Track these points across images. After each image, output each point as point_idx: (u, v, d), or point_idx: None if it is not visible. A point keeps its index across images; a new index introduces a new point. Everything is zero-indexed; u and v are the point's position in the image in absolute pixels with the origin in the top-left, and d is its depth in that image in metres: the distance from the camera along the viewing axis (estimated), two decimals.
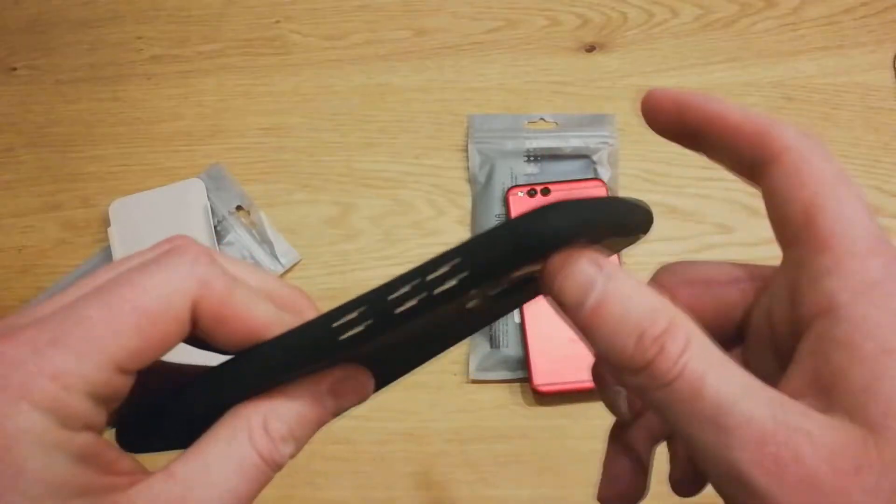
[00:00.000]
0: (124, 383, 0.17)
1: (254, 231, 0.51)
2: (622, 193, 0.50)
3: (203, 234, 0.49)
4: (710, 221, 0.49)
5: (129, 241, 0.49)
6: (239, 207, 0.52)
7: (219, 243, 0.50)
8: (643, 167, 0.51)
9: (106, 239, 0.50)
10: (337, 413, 0.18)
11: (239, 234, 0.51)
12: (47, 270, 0.51)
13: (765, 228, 0.56)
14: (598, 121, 0.51)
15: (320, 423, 0.18)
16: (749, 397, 0.14)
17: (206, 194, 0.50)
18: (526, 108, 0.53)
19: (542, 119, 0.52)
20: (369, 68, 0.55)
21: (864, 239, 0.16)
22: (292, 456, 0.18)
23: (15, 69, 0.58)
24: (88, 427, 0.16)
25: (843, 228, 0.16)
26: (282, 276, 0.50)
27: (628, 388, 0.18)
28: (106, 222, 0.50)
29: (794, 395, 0.15)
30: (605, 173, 0.50)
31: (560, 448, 0.44)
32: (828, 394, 0.15)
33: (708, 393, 0.14)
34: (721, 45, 0.54)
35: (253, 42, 0.57)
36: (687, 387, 0.15)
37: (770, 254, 0.55)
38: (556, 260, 0.16)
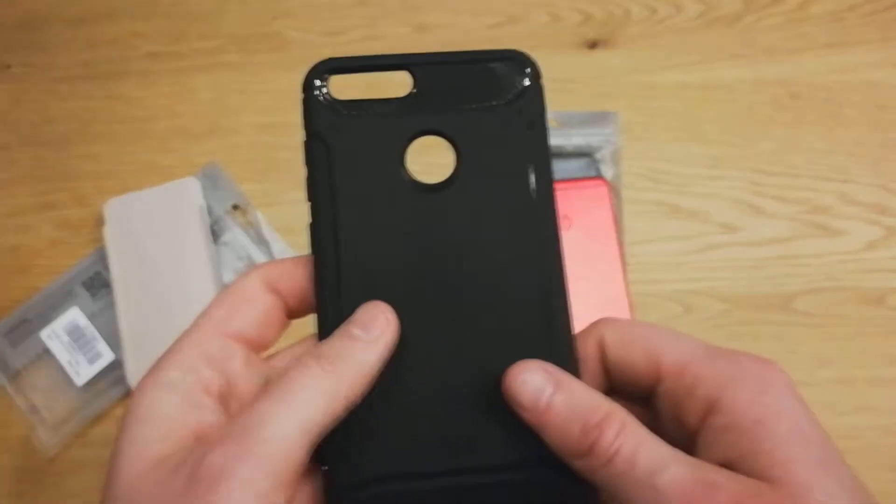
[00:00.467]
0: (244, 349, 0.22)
1: (250, 231, 0.50)
2: (626, 192, 0.49)
3: (199, 234, 0.49)
4: (714, 220, 0.49)
5: (124, 240, 0.49)
6: (235, 207, 0.51)
7: (215, 243, 0.49)
8: (646, 165, 0.50)
9: (101, 239, 0.50)
10: (372, 344, 0.20)
11: (235, 234, 0.50)
12: (42, 270, 0.50)
13: (770, 228, 0.56)
14: (600, 118, 0.51)
15: (364, 358, 0.20)
16: (674, 462, 0.18)
17: (201, 193, 0.50)
18: None
19: None
20: None
21: (702, 351, 0.20)
22: (354, 376, 0.20)
23: (9, 66, 0.57)
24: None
25: (681, 357, 0.20)
26: None
27: (581, 473, 0.20)
28: (101, 222, 0.50)
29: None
30: (607, 171, 0.49)
31: None
32: (730, 464, 0.19)
33: (641, 463, 0.18)
34: (725, 42, 0.53)
35: (250, 39, 0.56)
36: (623, 461, 0.18)
37: (774, 253, 0.54)
38: (512, 371, 0.20)
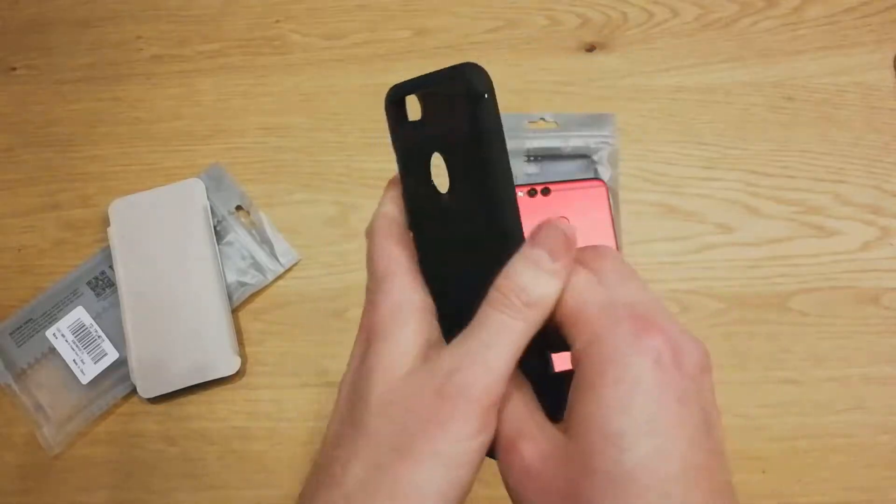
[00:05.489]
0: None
1: (253, 231, 0.51)
2: (623, 193, 0.50)
3: (203, 234, 0.49)
4: (710, 221, 0.49)
5: (129, 241, 0.49)
6: (239, 207, 0.52)
7: (218, 243, 0.50)
8: (643, 167, 0.51)
9: (105, 239, 0.50)
10: (558, 276, 0.22)
11: (238, 234, 0.51)
12: (47, 270, 0.51)
13: (765, 228, 0.56)
14: (598, 120, 0.51)
15: (552, 290, 0.22)
16: (512, 417, 0.22)
17: (205, 194, 0.50)
18: (526, 108, 0.53)
19: (542, 119, 0.52)
20: (369, 68, 0.55)
21: (596, 310, 0.22)
22: (544, 312, 0.22)
23: (14, 69, 0.58)
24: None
25: (578, 310, 0.22)
26: (281, 276, 0.50)
27: None
28: (105, 222, 0.50)
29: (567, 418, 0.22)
30: (605, 173, 0.50)
31: None
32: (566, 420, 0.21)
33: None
34: (721, 45, 0.54)
35: (253, 42, 0.57)
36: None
37: (770, 253, 0.55)
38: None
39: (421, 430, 0.21)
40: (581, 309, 0.22)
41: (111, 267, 0.49)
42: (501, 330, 0.22)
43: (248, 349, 0.48)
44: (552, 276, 0.22)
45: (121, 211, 0.50)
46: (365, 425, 0.22)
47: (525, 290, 0.22)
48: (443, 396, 0.21)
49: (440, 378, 0.22)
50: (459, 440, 0.21)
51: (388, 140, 0.27)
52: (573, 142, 0.51)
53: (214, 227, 0.50)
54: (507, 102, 0.53)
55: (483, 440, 0.22)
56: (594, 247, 0.24)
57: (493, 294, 0.22)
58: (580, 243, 0.23)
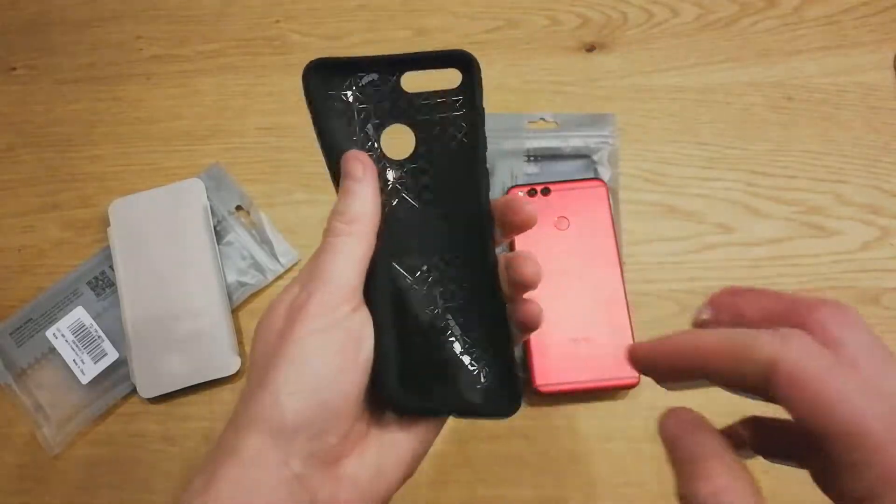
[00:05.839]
0: None
1: (253, 231, 0.51)
2: (623, 193, 0.50)
3: (202, 234, 0.49)
4: (710, 221, 0.49)
5: (129, 241, 0.49)
6: (238, 207, 0.52)
7: (218, 243, 0.50)
8: (643, 167, 0.51)
9: (105, 239, 0.50)
10: (364, 186, 0.27)
11: (238, 234, 0.51)
12: (47, 270, 0.51)
13: (765, 228, 0.56)
14: (598, 120, 0.51)
15: (365, 199, 0.27)
16: None
17: (205, 194, 0.50)
18: (526, 108, 0.53)
19: (542, 119, 0.52)
20: None
21: (881, 428, 0.17)
22: (365, 221, 0.27)
23: (14, 69, 0.58)
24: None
25: (857, 425, 0.17)
26: (281, 276, 0.50)
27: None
28: (105, 222, 0.50)
29: None
30: (605, 173, 0.50)
31: (560, 448, 0.44)
32: None
33: None
34: (721, 45, 0.54)
35: (253, 42, 0.57)
36: None
37: (769, 253, 0.55)
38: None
39: (276, 342, 0.25)
40: (857, 424, 0.17)
41: (111, 267, 0.49)
42: (335, 248, 0.26)
43: (248, 349, 0.48)
44: (356, 193, 0.27)
45: (121, 211, 0.50)
46: (251, 361, 0.26)
47: (342, 212, 0.27)
48: (293, 308, 0.25)
49: (291, 298, 0.26)
50: (310, 334, 0.24)
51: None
52: (573, 142, 0.51)
53: (214, 227, 0.50)
54: (507, 102, 0.53)
55: (340, 333, 0.25)
56: (829, 307, 0.20)
57: (326, 227, 0.27)
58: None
